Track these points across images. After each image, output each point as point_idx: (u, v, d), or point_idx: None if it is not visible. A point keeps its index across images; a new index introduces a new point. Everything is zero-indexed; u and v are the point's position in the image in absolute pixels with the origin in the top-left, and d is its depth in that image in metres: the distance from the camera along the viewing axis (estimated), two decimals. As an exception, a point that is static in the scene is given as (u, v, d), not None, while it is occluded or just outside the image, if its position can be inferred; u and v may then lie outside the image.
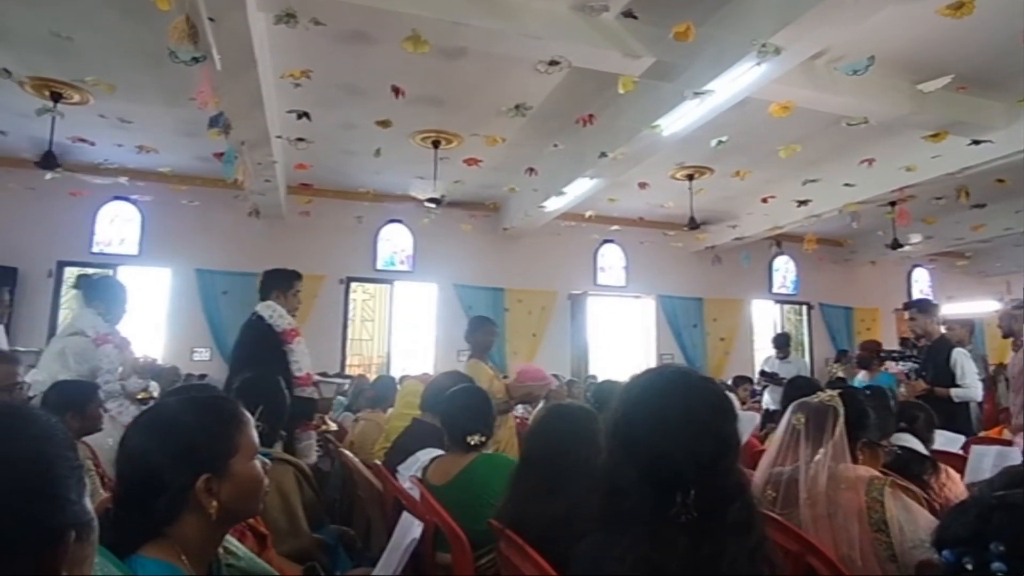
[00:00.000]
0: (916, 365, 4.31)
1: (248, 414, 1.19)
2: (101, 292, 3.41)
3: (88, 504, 0.72)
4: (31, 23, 4.25)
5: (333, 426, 3.66)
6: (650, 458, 1.13)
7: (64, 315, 7.19)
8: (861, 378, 5.49)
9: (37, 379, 3.06)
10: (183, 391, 1.97)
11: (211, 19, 3.45)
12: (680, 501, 1.11)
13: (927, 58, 4.55)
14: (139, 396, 3.36)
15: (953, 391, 3.97)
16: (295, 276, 3.59)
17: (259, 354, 3.29)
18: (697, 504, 1.11)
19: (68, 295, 7.33)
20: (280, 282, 3.52)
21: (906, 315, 4.43)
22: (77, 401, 2.42)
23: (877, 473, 1.80)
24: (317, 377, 3.60)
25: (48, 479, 0.68)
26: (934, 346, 4.25)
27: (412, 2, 3.73)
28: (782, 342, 7.00)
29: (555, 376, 8.08)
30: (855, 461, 1.82)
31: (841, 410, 1.76)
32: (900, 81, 4.87)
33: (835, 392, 1.81)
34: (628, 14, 4.01)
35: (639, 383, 1.23)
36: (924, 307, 4.44)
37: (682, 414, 1.14)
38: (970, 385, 3.98)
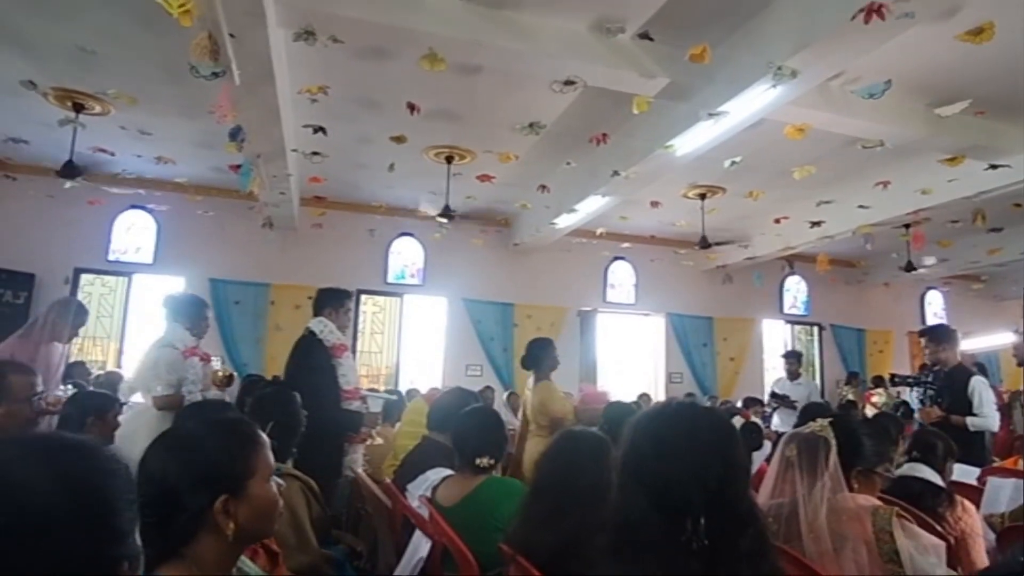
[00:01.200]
0: (932, 392, 4.24)
1: (264, 435, 1.20)
2: (186, 308, 3.69)
3: (138, 537, 0.77)
4: (57, 36, 4.33)
5: (379, 440, 3.71)
6: (658, 485, 1.15)
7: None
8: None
9: (131, 387, 3.44)
10: (200, 410, 1.99)
11: (232, 35, 3.50)
12: (690, 528, 1.11)
13: (945, 82, 4.53)
14: None
15: (969, 420, 3.91)
16: (346, 295, 3.84)
17: (310, 367, 3.48)
18: (708, 531, 1.11)
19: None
20: (332, 300, 3.74)
21: (922, 341, 4.36)
22: (100, 408, 2.54)
23: (878, 502, 1.79)
24: (365, 392, 3.80)
25: (109, 512, 0.72)
26: (952, 373, 4.18)
27: (429, 20, 3.77)
28: (793, 359, 6.92)
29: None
30: (851, 489, 1.81)
31: (833, 441, 1.75)
32: (917, 104, 4.86)
33: (826, 421, 1.80)
34: (644, 36, 4.03)
35: (646, 415, 1.26)
36: (941, 334, 4.37)
37: (687, 440, 1.17)
38: (988, 415, 3.91)
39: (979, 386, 3.99)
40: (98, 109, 5.47)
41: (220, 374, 3.70)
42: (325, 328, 3.61)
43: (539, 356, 3.98)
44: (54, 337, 3.52)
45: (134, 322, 7.80)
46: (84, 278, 7.62)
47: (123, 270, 7.74)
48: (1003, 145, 5.22)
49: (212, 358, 3.78)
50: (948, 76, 4.47)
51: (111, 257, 7.70)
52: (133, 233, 7.84)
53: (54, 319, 3.51)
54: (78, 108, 5.38)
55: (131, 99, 5.14)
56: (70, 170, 5.57)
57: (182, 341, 3.51)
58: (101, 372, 6.71)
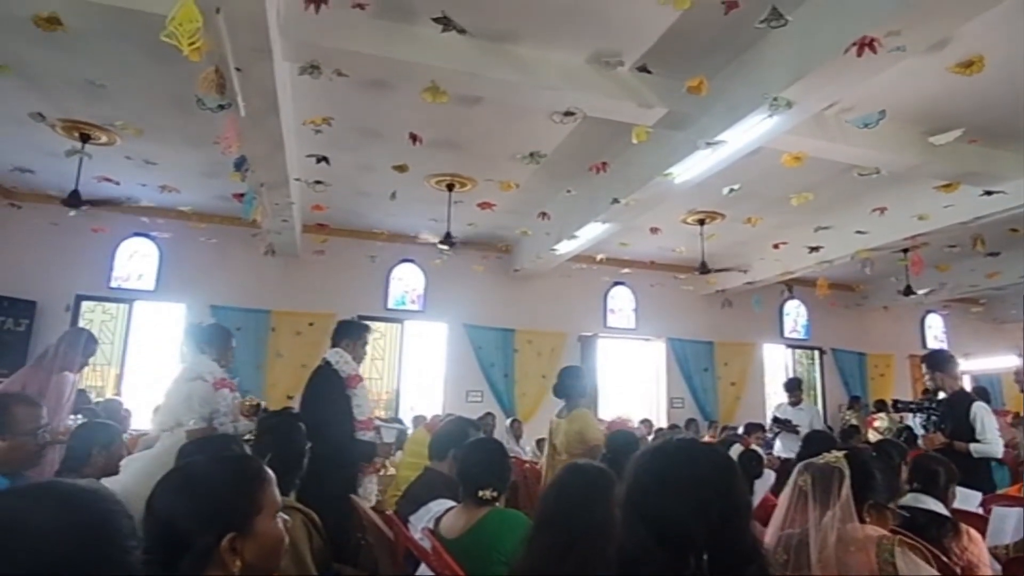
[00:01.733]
0: (935, 417, 4.23)
1: (271, 472, 1.21)
2: (211, 339, 3.69)
3: None
4: (67, 70, 4.42)
5: (392, 469, 3.72)
6: (661, 520, 1.16)
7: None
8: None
9: (163, 420, 3.39)
10: (206, 447, 1.99)
11: (238, 69, 3.58)
12: (694, 564, 1.12)
13: (938, 111, 4.61)
14: (246, 438, 3.52)
15: (973, 446, 3.89)
16: (365, 328, 3.93)
17: (325, 397, 3.55)
18: (711, 567, 1.12)
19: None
20: (351, 332, 3.84)
21: (923, 367, 4.36)
22: (106, 441, 2.56)
23: (885, 532, 1.79)
24: (379, 422, 3.86)
25: (119, 555, 0.76)
26: (953, 399, 4.17)
27: (431, 54, 3.85)
28: (793, 386, 6.92)
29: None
30: (862, 523, 1.81)
31: (847, 472, 1.76)
32: (911, 132, 4.93)
33: (841, 453, 1.81)
34: (643, 68, 4.11)
35: (648, 451, 1.27)
36: (941, 360, 4.36)
37: (688, 476, 1.19)
38: (991, 441, 3.89)
39: (981, 412, 3.97)
40: (104, 139, 5.55)
41: (247, 404, 3.72)
42: (341, 359, 3.68)
43: (570, 384, 3.87)
44: (64, 367, 3.56)
45: (135, 349, 7.81)
46: (85, 305, 7.63)
47: (124, 297, 7.76)
48: (997, 171, 5.28)
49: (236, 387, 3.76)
50: (941, 106, 4.55)
51: (113, 284, 7.73)
52: (135, 260, 7.88)
53: (64, 349, 3.55)
54: (85, 138, 5.46)
55: (138, 130, 5.22)
56: (75, 199, 5.62)
57: (211, 373, 3.53)
58: (100, 399, 6.70)
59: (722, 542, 1.13)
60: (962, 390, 4.29)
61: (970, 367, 10.38)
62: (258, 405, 3.73)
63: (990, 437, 3.89)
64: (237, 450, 2.07)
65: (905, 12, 2.96)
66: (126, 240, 7.78)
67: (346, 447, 3.43)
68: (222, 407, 3.44)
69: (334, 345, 3.79)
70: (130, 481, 2.44)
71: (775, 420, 6.85)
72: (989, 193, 5.48)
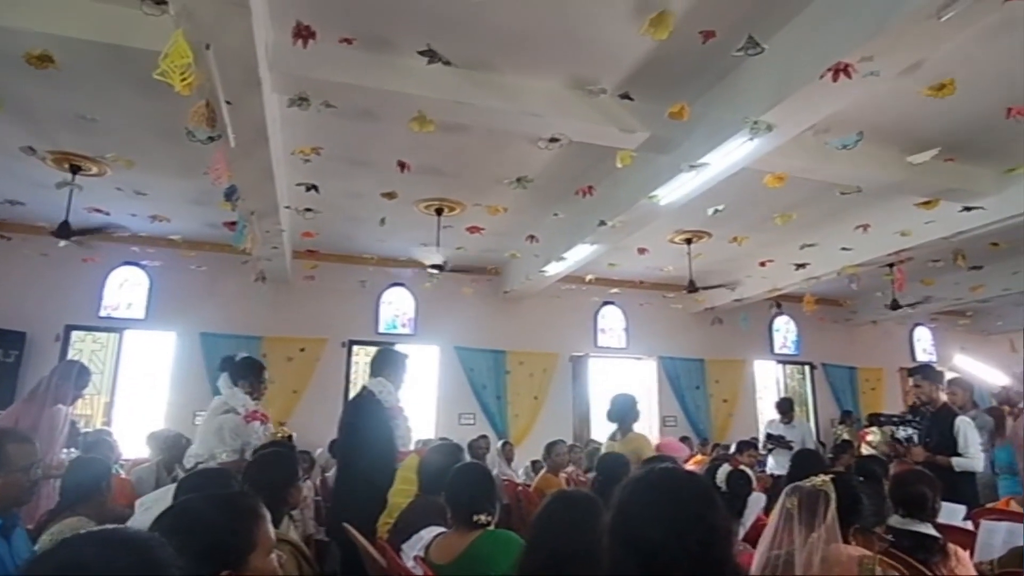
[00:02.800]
0: (916, 430, 4.28)
1: (266, 508, 1.23)
2: (244, 371, 3.78)
3: None
4: (59, 105, 4.47)
5: None
6: (644, 548, 1.19)
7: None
8: None
9: (196, 452, 3.47)
10: (202, 483, 2.00)
11: (228, 102, 3.63)
12: None
13: (914, 131, 4.72)
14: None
15: (954, 460, 3.93)
16: (405, 357, 4.00)
17: (367, 426, 3.60)
18: None
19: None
20: (392, 362, 3.91)
21: (910, 381, 4.42)
22: (100, 478, 2.64)
23: (868, 552, 1.82)
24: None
25: None
26: (938, 413, 4.22)
27: (418, 84, 3.92)
28: (785, 407, 6.96)
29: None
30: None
31: (833, 495, 1.80)
32: (890, 152, 5.03)
33: (828, 477, 1.85)
34: (624, 95, 4.20)
35: (633, 480, 1.31)
36: (928, 373, 4.41)
37: (668, 503, 1.22)
38: (973, 455, 3.94)
39: (964, 426, 4.02)
40: (95, 170, 5.58)
41: (278, 436, 3.73)
42: (384, 389, 3.74)
43: (625, 410, 4.32)
44: (57, 400, 3.55)
45: (125, 378, 7.77)
46: (75, 335, 7.60)
47: (114, 326, 7.74)
48: (975, 188, 5.41)
49: (268, 419, 3.85)
50: (917, 126, 4.67)
51: (103, 313, 7.71)
52: (125, 289, 7.87)
53: (57, 382, 3.55)
54: (75, 170, 5.48)
55: (128, 162, 5.26)
56: (65, 230, 5.64)
57: (243, 405, 3.60)
58: (89, 430, 6.64)
59: (703, 569, 1.16)
60: (945, 404, 4.34)
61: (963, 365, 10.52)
62: (289, 437, 3.76)
63: (972, 452, 3.93)
64: (235, 485, 2.08)
65: (877, 39, 3.06)
66: (116, 269, 7.78)
67: (387, 475, 3.46)
68: (253, 439, 3.52)
69: (374, 374, 3.85)
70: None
71: (768, 437, 6.87)
72: (968, 209, 5.59)
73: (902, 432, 4.38)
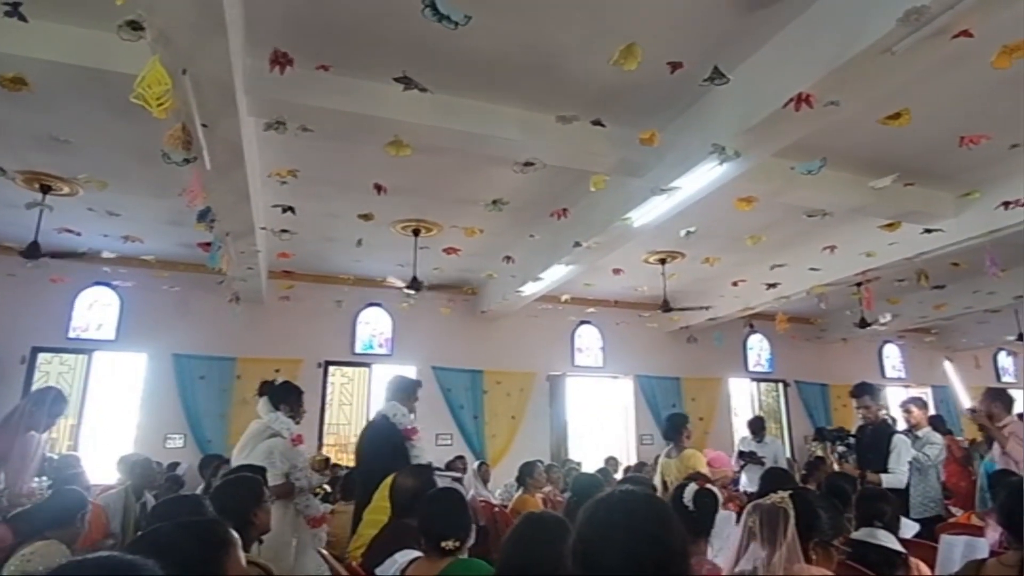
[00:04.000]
0: (847, 448, 4.45)
1: (237, 536, 1.24)
2: (284, 396, 3.90)
3: None
4: (31, 126, 4.43)
5: None
6: (601, 571, 1.21)
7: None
8: None
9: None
10: (173, 509, 2.00)
11: (204, 125, 3.64)
12: None
13: (875, 157, 4.90)
14: (316, 490, 3.81)
15: (883, 477, 4.06)
16: (417, 383, 4.15)
17: (383, 451, 3.66)
18: None
19: (40, 381, 7.22)
20: (404, 387, 4.04)
21: (854, 403, 4.53)
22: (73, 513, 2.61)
23: (829, 573, 1.88)
24: (437, 473, 3.91)
25: None
26: (877, 430, 4.33)
27: (394, 109, 3.98)
28: (757, 427, 7.08)
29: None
30: (808, 561, 1.90)
31: (792, 512, 1.86)
32: (854, 176, 5.21)
33: (787, 494, 1.91)
34: (597, 122, 4.30)
35: (593, 502, 1.33)
36: (872, 392, 4.51)
37: (624, 526, 1.24)
38: (898, 472, 4.08)
39: (900, 444, 4.15)
40: (66, 190, 5.51)
41: (318, 459, 3.81)
42: (398, 412, 3.84)
43: (680, 428, 4.61)
44: (31, 427, 3.48)
45: (93, 401, 7.60)
46: (42, 357, 7.44)
47: (83, 347, 7.59)
48: (934, 211, 5.61)
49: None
50: (877, 152, 4.85)
51: (71, 334, 7.56)
52: (95, 310, 7.74)
53: (31, 409, 3.49)
54: (45, 189, 5.41)
55: (101, 184, 5.22)
56: (34, 251, 5.54)
57: (288, 429, 3.66)
58: (56, 455, 6.47)
59: None
60: (884, 422, 4.47)
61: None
62: (327, 460, 3.83)
63: (900, 469, 4.07)
64: (207, 512, 2.08)
65: (836, 71, 3.20)
66: (86, 289, 7.65)
67: None
68: (299, 462, 3.61)
69: (388, 399, 3.96)
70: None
71: (740, 454, 6.96)
72: (929, 231, 5.79)
73: (841, 447, 4.52)
